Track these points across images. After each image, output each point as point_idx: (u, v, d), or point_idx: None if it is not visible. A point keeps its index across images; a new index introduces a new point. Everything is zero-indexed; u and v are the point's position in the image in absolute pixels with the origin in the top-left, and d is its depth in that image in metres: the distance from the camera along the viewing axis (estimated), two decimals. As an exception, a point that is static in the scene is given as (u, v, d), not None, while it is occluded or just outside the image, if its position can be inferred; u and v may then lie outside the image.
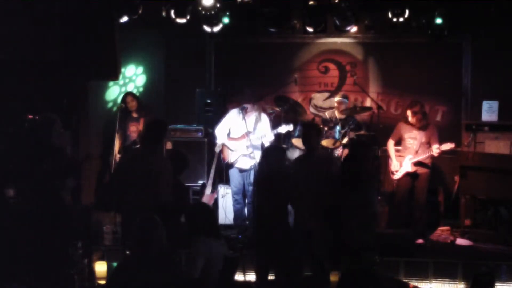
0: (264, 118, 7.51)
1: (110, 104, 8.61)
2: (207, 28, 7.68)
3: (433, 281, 6.37)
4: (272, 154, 5.80)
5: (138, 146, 7.55)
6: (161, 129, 5.87)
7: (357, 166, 5.43)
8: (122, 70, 8.20)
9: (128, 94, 8.09)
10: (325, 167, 5.85)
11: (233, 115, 7.49)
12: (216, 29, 7.68)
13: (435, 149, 7.17)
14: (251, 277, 6.03)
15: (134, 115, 7.94)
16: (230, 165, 7.43)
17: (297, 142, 7.62)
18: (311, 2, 7.41)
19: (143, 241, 4.33)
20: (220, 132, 7.46)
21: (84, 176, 7.62)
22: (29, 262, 5.65)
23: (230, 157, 7.39)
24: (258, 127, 7.39)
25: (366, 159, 5.79)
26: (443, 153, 7.38)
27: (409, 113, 7.31)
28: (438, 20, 7.35)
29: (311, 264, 5.83)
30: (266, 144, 7.28)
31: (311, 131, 6.06)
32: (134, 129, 7.92)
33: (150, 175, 5.52)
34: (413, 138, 7.36)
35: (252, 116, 7.39)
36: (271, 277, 5.90)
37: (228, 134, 7.44)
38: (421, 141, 7.30)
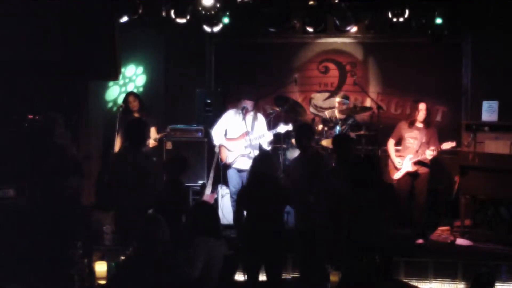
0: (260, 117, 7.49)
1: (110, 104, 8.61)
2: (207, 28, 7.68)
3: (433, 281, 6.38)
4: (263, 159, 5.78)
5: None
6: (141, 128, 5.86)
7: (371, 164, 5.41)
8: (122, 70, 8.19)
9: (130, 94, 8.07)
10: (316, 166, 5.85)
11: (230, 115, 7.45)
12: (216, 29, 7.68)
13: (429, 152, 7.19)
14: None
15: (136, 115, 7.93)
16: (228, 166, 7.41)
17: (297, 142, 7.61)
18: (311, 2, 7.41)
19: (147, 241, 4.33)
20: (217, 133, 7.43)
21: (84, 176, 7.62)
22: (29, 262, 5.66)
23: (228, 157, 7.37)
24: (256, 126, 7.37)
25: (351, 151, 5.78)
26: (443, 153, 7.38)
27: (422, 106, 7.31)
28: (438, 20, 7.35)
29: (310, 264, 5.83)
30: (264, 145, 7.27)
31: (302, 132, 6.07)
32: (135, 129, 7.91)
33: (136, 175, 5.52)
34: (413, 137, 7.37)
35: (248, 115, 7.38)
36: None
37: (225, 135, 7.42)
38: (422, 141, 7.31)
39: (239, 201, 5.80)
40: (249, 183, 5.88)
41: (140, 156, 5.74)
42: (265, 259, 5.55)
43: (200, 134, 8.09)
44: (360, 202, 5.18)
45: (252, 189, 5.66)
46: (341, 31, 8.13)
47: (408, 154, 7.32)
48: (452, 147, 7.25)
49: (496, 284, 5.12)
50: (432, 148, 7.22)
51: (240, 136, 7.32)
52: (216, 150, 7.50)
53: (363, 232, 5.14)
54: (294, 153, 7.65)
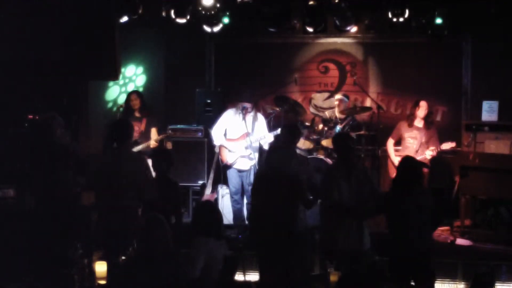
0: (261, 118, 7.49)
1: (110, 104, 8.62)
2: (207, 28, 7.68)
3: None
4: (276, 153, 5.77)
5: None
6: (122, 128, 5.79)
7: (415, 169, 5.40)
8: (122, 70, 8.20)
9: (132, 92, 8.04)
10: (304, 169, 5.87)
11: (230, 115, 7.44)
12: (216, 29, 7.68)
13: (429, 152, 7.20)
14: (251, 277, 6.03)
15: (137, 114, 7.90)
16: (228, 166, 7.41)
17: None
18: (311, 2, 7.41)
19: (147, 241, 4.33)
20: (217, 132, 7.43)
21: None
22: (29, 262, 5.65)
23: (228, 158, 7.37)
24: (256, 127, 7.37)
25: (351, 150, 5.75)
26: (443, 153, 7.38)
27: (423, 104, 7.32)
28: (438, 20, 7.36)
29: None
30: (265, 146, 7.26)
31: (290, 133, 6.05)
32: (136, 129, 7.84)
33: (123, 175, 5.48)
34: (413, 137, 7.38)
35: (249, 116, 7.37)
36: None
37: (225, 135, 7.42)
38: (422, 141, 7.32)
39: (253, 195, 5.80)
40: (262, 176, 5.85)
41: (125, 156, 5.69)
42: (277, 257, 5.53)
43: (200, 134, 8.08)
44: (408, 206, 5.18)
45: (262, 183, 5.64)
46: (341, 31, 8.14)
47: (408, 154, 7.32)
48: (452, 148, 7.25)
49: (496, 284, 5.12)
50: (431, 148, 7.22)
51: (241, 137, 7.32)
52: (216, 150, 7.50)
53: (413, 235, 5.16)
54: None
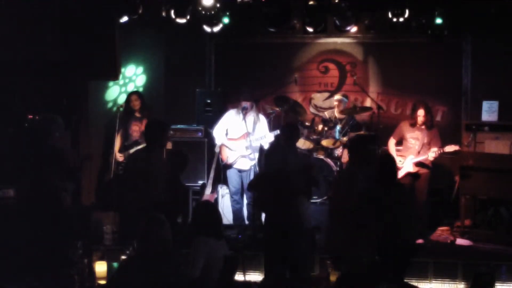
0: (262, 118, 7.51)
1: (110, 104, 8.61)
2: (207, 28, 7.68)
3: (433, 281, 6.38)
4: (276, 152, 5.78)
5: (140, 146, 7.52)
6: (157, 129, 5.85)
7: (393, 164, 5.43)
8: (122, 70, 8.19)
9: (133, 93, 8.06)
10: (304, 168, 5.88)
11: (231, 115, 7.47)
12: (216, 29, 7.67)
13: (431, 153, 7.20)
14: (251, 277, 6.04)
15: (137, 114, 7.92)
16: (229, 166, 7.42)
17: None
18: (311, 2, 7.40)
19: (148, 241, 4.34)
20: (218, 132, 7.44)
21: (84, 176, 7.63)
22: (29, 262, 5.66)
23: (228, 157, 7.38)
24: (257, 127, 7.38)
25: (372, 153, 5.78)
26: (444, 153, 7.39)
27: (421, 112, 7.31)
28: (438, 20, 7.35)
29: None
30: (265, 146, 7.27)
31: (292, 133, 6.05)
32: (137, 129, 7.89)
33: (146, 175, 5.52)
34: (415, 138, 7.38)
35: (250, 116, 7.38)
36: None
37: (226, 135, 7.43)
38: (423, 141, 7.32)
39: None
40: (261, 177, 5.85)
41: (152, 156, 5.73)
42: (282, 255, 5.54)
43: (200, 134, 8.08)
44: (389, 201, 5.19)
45: (266, 182, 5.65)
46: (341, 31, 8.13)
47: (409, 155, 7.32)
48: (456, 150, 7.27)
49: (496, 284, 5.13)
50: (434, 149, 7.22)
51: (241, 136, 7.33)
52: (217, 150, 7.51)
53: (396, 230, 5.16)
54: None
